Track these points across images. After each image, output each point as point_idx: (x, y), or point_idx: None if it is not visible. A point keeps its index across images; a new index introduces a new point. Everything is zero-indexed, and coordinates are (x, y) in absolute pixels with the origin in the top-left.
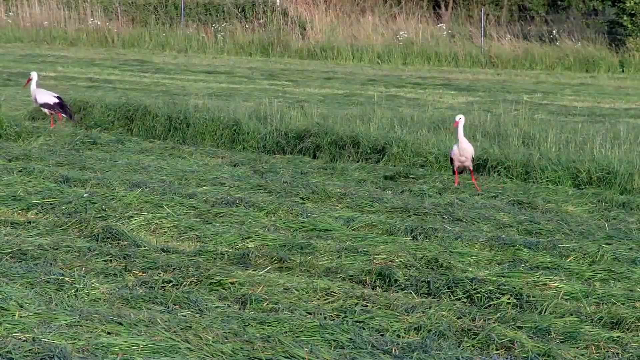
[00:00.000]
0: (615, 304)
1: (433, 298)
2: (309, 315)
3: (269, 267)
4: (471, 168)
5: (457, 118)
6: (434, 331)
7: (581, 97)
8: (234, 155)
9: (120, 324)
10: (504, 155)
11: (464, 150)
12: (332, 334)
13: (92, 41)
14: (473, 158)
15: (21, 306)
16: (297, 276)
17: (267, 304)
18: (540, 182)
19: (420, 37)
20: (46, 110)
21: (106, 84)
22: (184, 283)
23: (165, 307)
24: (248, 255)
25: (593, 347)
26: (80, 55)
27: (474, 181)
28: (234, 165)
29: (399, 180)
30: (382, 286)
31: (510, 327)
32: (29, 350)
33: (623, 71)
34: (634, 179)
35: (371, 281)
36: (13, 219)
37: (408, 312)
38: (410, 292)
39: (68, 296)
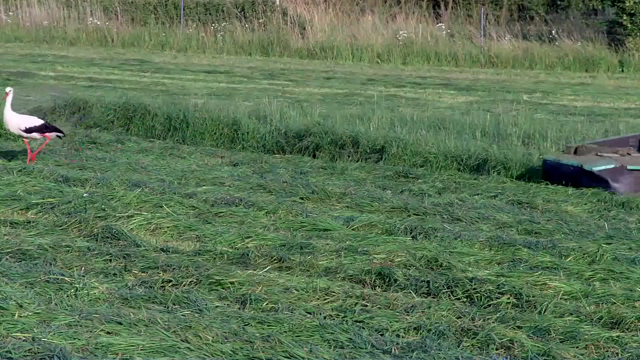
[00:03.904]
0: (615, 303)
1: (433, 298)
2: (308, 315)
3: (269, 267)
4: (25, 137)
5: (7, 90)
6: (433, 331)
7: (581, 97)
8: (233, 155)
9: (120, 323)
10: (504, 155)
11: (6, 123)
12: (332, 333)
13: (92, 41)
14: (26, 128)
15: (21, 306)
16: (297, 276)
17: (267, 304)
18: (540, 182)
19: (419, 37)
20: None
21: (106, 84)
22: (184, 283)
23: (165, 306)
24: (248, 255)
25: (593, 347)
26: (79, 55)
27: (28, 150)
28: (234, 165)
29: (398, 180)
30: (382, 286)
31: (510, 327)
32: (29, 350)
33: (623, 71)
34: None
35: (371, 281)
36: (13, 218)
37: (408, 312)
38: (410, 292)
39: (68, 296)
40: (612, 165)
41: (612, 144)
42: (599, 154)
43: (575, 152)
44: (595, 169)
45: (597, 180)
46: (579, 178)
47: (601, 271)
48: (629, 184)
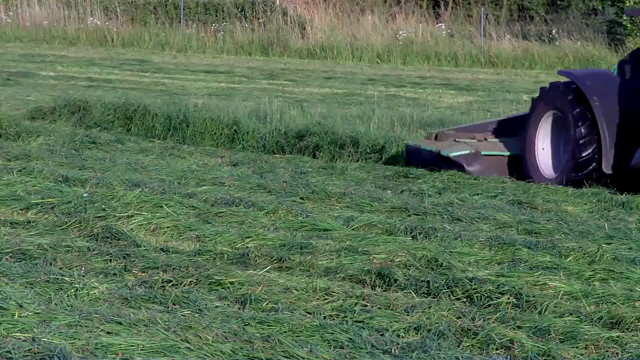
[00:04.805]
0: (615, 303)
1: (433, 298)
2: (308, 315)
3: (269, 267)
4: None
5: None
6: (433, 331)
7: None
8: (233, 155)
9: (120, 323)
10: None
11: None
12: (332, 333)
13: (92, 41)
14: None
15: (21, 306)
16: (297, 276)
17: (267, 304)
18: (540, 182)
19: (419, 37)
20: None
21: (106, 84)
22: (184, 283)
23: (165, 306)
24: (248, 255)
25: (593, 347)
26: (79, 55)
27: None
28: (234, 165)
29: (398, 180)
30: (382, 286)
31: (510, 327)
32: (29, 350)
33: None
34: None
35: (371, 281)
36: (13, 218)
37: (408, 312)
38: (410, 292)
39: (68, 296)
40: (467, 151)
41: (471, 130)
42: (456, 139)
43: (435, 138)
44: (452, 154)
45: (453, 165)
46: (437, 163)
47: (601, 271)
48: (483, 168)
